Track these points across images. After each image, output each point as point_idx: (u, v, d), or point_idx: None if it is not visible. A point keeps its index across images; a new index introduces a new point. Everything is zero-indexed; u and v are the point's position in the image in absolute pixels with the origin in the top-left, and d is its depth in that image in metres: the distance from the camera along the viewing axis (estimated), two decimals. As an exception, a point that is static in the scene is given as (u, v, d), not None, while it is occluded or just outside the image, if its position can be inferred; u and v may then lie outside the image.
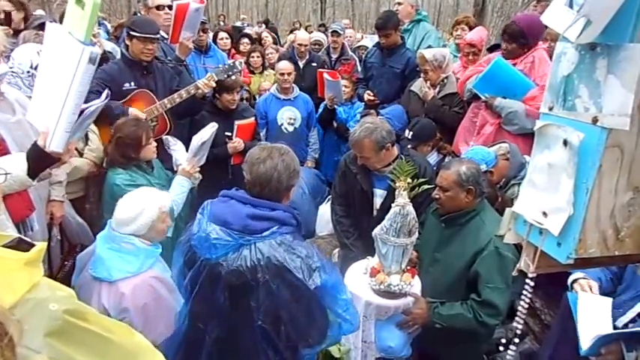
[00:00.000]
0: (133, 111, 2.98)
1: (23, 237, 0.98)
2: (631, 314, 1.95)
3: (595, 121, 0.87)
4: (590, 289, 2.03)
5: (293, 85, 4.37)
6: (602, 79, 0.87)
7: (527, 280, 1.06)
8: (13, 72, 2.44)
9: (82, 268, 2.05)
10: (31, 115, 1.86)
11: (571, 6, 0.92)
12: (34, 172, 1.76)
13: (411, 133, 3.28)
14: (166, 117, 3.22)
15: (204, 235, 1.60)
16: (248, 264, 1.55)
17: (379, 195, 2.77)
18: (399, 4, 4.60)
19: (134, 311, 1.86)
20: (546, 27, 2.67)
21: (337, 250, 3.46)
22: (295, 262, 1.56)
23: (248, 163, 1.68)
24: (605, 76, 0.86)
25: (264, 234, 1.58)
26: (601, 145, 0.87)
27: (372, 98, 4.21)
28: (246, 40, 6.23)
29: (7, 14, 3.46)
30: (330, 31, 5.81)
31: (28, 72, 2.49)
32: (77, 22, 1.57)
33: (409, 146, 3.21)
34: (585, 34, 0.87)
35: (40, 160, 1.74)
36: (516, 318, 1.20)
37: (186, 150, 2.84)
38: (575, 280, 2.12)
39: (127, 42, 3.13)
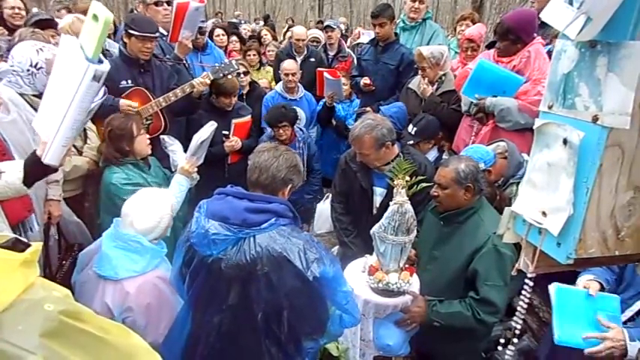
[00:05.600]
0: (124, 102, 2.94)
1: (19, 237, 0.97)
2: (629, 313, 1.95)
3: (595, 119, 0.86)
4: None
5: (298, 84, 4.33)
6: (603, 77, 0.86)
7: (527, 280, 1.05)
8: (13, 70, 2.43)
9: (83, 265, 2.04)
10: (37, 123, 1.86)
11: (571, 3, 0.91)
12: (29, 180, 1.76)
13: (415, 129, 3.25)
14: (161, 115, 3.19)
15: (203, 232, 1.60)
16: (248, 257, 1.56)
17: (379, 193, 2.76)
18: (421, 2, 4.48)
19: (138, 310, 1.86)
20: (542, 23, 2.66)
21: (336, 247, 3.46)
22: (294, 253, 1.57)
23: (254, 152, 1.77)
24: (606, 74, 0.85)
25: (263, 226, 1.59)
26: (601, 144, 0.86)
27: (367, 82, 4.19)
28: (234, 38, 6.03)
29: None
30: (324, 26, 5.77)
31: (28, 70, 2.47)
32: (89, 37, 1.56)
33: (410, 142, 3.20)
34: (585, 31, 0.87)
35: (37, 170, 1.75)
36: (515, 317, 1.20)
37: (185, 149, 2.81)
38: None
39: (125, 40, 3.10)
